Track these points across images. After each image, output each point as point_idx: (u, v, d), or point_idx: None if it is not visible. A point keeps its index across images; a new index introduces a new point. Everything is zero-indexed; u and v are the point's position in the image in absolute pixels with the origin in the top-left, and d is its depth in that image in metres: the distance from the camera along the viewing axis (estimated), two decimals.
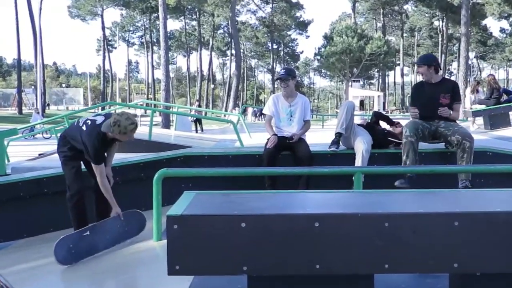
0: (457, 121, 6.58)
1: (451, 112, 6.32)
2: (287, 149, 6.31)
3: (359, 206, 2.85)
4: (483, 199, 3.03)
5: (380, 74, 75.36)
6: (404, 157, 6.10)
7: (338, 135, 6.38)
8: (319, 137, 8.31)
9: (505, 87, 17.01)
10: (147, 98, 70.07)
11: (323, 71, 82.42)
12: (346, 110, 6.41)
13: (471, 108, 16.92)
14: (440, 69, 6.70)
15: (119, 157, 8.05)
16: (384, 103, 59.33)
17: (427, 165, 5.90)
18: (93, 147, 5.05)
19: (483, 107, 16.34)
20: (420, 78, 6.84)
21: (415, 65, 6.94)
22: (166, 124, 26.25)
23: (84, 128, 5.18)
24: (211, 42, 79.36)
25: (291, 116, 6.55)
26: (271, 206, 2.84)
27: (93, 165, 5.11)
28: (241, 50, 73.47)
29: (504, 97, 16.20)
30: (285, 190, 4.12)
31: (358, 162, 6.09)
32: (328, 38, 54.06)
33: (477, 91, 17.68)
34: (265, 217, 2.59)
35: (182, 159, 6.21)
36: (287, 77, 6.55)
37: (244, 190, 3.39)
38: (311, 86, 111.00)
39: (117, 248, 4.96)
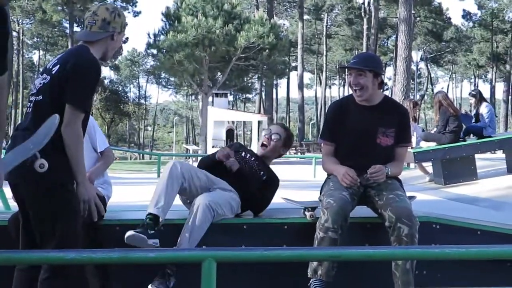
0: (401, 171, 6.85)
1: (389, 169, 6.47)
2: None
3: None
4: None
5: (264, 83, 76.84)
6: (314, 263, 6.18)
7: (151, 219, 6.20)
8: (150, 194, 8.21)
9: (466, 111, 17.81)
10: None
11: (163, 75, 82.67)
12: (168, 176, 6.43)
13: (411, 148, 17.43)
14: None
15: None
16: None
17: (339, 248, 6.05)
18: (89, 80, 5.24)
19: (432, 145, 16.96)
20: (343, 93, 6.94)
21: (348, 70, 6.92)
22: None
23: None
24: None
25: None
26: None
27: (69, 110, 5.09)
28: (14, 34, 72.08)
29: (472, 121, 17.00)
30: None
31: (184, 237, 6.23)
32: (171, 18, 54.38)
33: (415, 119, 18.44)
34: None
35: None
36: None
37: None
38: (142, 102, 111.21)
39: None
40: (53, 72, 5.25)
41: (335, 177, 6.58)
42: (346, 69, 7.01)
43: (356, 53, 75.85)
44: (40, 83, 5.30)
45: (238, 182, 6.78)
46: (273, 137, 7.17)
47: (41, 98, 5.24)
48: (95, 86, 5.28)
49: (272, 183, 7.11)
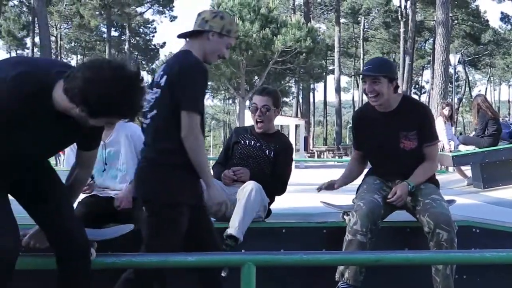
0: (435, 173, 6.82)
1: (411, 185, 6.39)
2: (113, 219, 6.34)
3: None
4: None
5: (301, 87, 76.57)
6: (343, 268, 6.20)
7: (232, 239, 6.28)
8: None
9: (503, 118, 17.65)
10: None
11: None
12: None
13: (450, 151, 17.34)
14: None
15: None
16: (307, 139, 60.30)
17: (378, 252, 6.03)
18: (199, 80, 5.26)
19: (471, 148, 16.83)
20: (361, 99, 6.89)
21: (362, 77, 6.93)
22: None
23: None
24: None
25: (106, 163, 6.70)
26: None
27: (184, 115, 5.16)
28: (52, 38, 72.46)
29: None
30: None
31: (237, 218, 6.26)
32: None
33: (452, 122, 18.24)
34: None
35: None
36: None
37: None
38: None
39: None
40: (161, 84, 5.33)
41: (370, 178, 6.65)
42: (361, 76, 6.97)
43: (394, 56, 75.68)
44: (152, 98, 5.39)
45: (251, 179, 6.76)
46: (263, 110, 6.97)
47: (156, 112, 5.35)
48: (204, 86, 5.31)
49: (282, 154, 7.08)
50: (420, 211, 6.19)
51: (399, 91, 6.69)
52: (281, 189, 7.05)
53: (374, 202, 6.20)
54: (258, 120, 6.98)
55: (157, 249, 5.17)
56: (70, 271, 4.58)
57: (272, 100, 6.98)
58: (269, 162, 6.95)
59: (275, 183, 6.95)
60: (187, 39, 5.57)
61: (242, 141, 7.08)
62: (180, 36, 5.64)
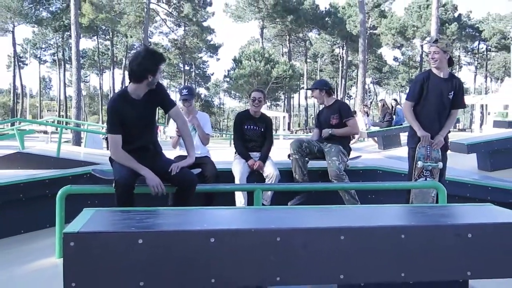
0: (355, 138, 6.79)
1: (329, 130, 6.37)
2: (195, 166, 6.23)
3: (254, 222, 2.87)
4: (368, 215, 3.13)
5: (286, 96, 76.58)
6: (294, 174, 6.16)
7: None
8: (228, 155, 8.31)
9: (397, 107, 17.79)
10: (59, 115, 67.69)
11: (232, 92, 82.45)
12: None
13: (366, 130, 17.73)
14: (333, 93, 6.73)
15: (24, 174, 7.69)
16: (289, 123, 60.36)
17: (321, 183, 6.03)
18: None
19: (377, 128, 17.17)
20: (316, 102, 6.88)
21: (310, 91, 7.07)
22: (78, 141, 25.42)
23: None
24: (124, 62, 77.76)
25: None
26: (169, 223, 2.80)
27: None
28: None
29: (394, 118, 17.09)
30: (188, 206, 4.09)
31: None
32: (237, 61, 54.41)
33: (367, 115, 18.88)
34: (162, 233, 2.55)
35: (88, 176, 6.01)
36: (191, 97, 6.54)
37: (145, 207, 3.32)
38: (221, 106, 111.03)
39: (17, 263, 4.71)
40: None
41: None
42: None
43: (336, 80, 75.70)
44: None
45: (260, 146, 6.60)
46: (258, 101, 6.57)
47: None
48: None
49: (268, 127, 6.73)
50: (327, 165, 6.10)
51: (336, 97, 6.79)
52: (271, 142, 6.64)
53: (300, 139, 6.37)
54: (255, 106, 6.58)
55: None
56: (185, 193, 4.61)
57: (263, 95, 6.67)
58: (263, 134, 6.64)
59: (268, 143, 6.54)
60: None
61: (246, 126, 6.64)
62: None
